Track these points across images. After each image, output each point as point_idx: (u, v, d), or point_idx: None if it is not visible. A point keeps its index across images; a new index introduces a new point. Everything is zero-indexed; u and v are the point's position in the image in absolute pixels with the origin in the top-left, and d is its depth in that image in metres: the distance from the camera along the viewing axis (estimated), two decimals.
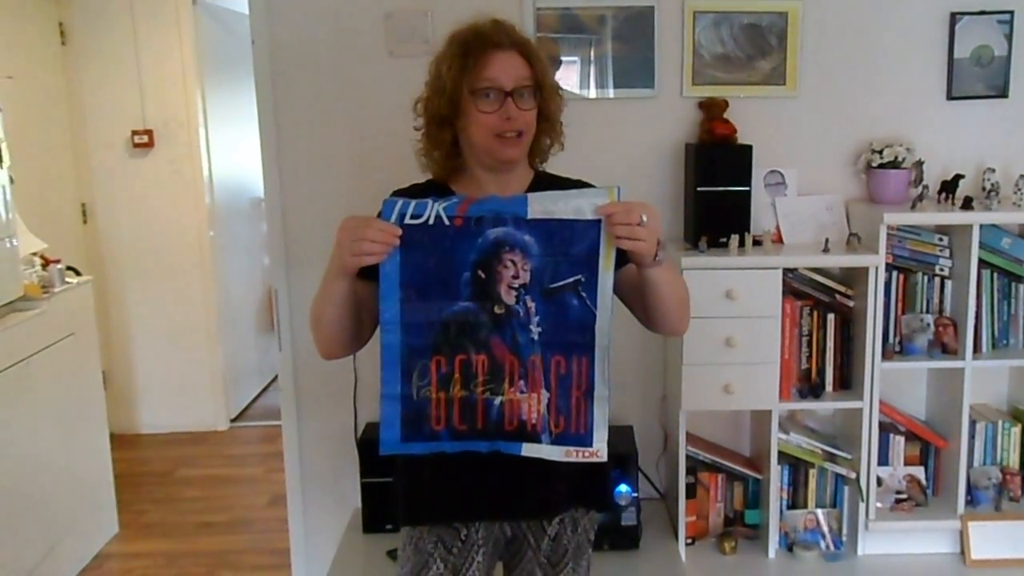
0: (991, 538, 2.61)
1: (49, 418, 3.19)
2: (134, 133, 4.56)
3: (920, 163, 2.59)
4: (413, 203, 1.47)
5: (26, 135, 4.06)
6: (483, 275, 1.49)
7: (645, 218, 1.44)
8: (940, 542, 2.68)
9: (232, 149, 4.90)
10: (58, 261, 3.36)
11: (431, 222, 1.46)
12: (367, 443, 2.59)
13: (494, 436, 1.53)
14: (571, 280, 1.49)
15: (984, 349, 2.63)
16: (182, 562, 3.45)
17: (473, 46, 1.56)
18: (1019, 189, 2.56)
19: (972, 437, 2.66)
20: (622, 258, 1.51)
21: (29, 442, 3.06)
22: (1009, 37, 2.63)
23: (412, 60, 2.47)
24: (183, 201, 4.67)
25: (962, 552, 2.64)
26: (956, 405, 2.60)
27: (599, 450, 1.54)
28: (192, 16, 4.55)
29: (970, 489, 2.66)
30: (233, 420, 4.96)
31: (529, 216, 1.47)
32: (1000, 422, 2.70)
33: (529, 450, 1.53)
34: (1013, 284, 2.63)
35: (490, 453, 1.54)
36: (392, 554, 2.45)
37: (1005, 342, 2.65)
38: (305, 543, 2.86)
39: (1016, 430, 2.69)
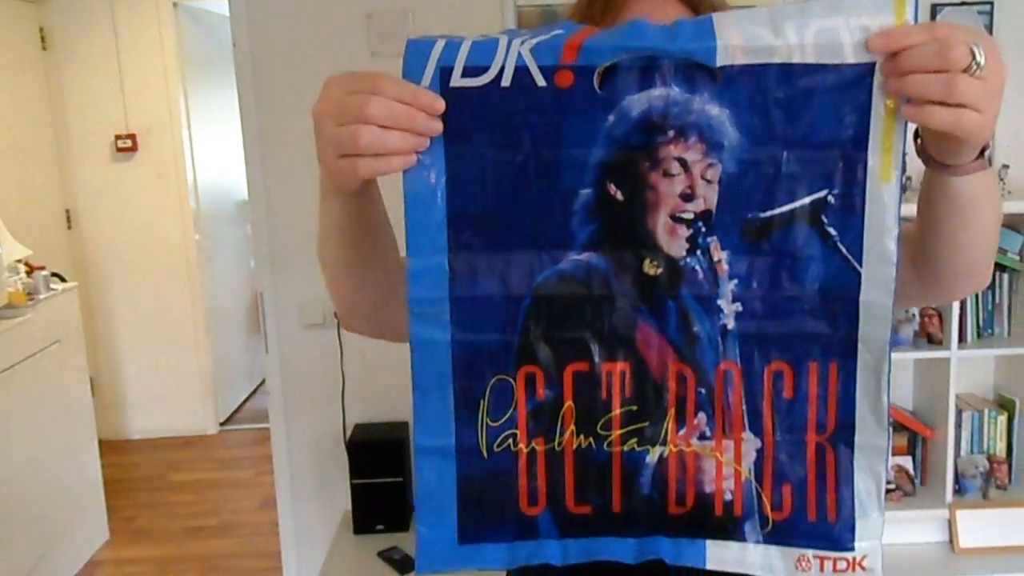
0: (979, 526, 2.63)
1: (37, 426, 3.17)
2: (117, 138, 4.53)
3: (903, 154, 2.60)
4: (468, 43, 0.75)
5: (8, 141, 4.04)
6: (618, 193, 0.77)
7: (981, 58, 0.68)
8: (929, 531, 2.70)
9: (216, 152, 4.88)
10: (43, 268, 3.34)
11: (506, 81, 0.74)
12: (356, 444, 2.58)
13: (646, 527, 0.82)
14: (809, 199, 0.76)
15: (969, 339, 2.64)
16: (173, 567, 3.44)
17: None
18: (1001, 180, 2.57)
19: (959, 426, 2.67)
20: None
21: (17, 450, 3.04)
22: (990, 28, 2.64)
23: (394, 60, 2.44)
24: (168, 205, 4.65)
25: (951, 540, 2.65)
26: (942, 395, 2.61)
27: (864, 557, 0.86)
28: (173, 19, 4.53)
29: (957, 478, 2.67)
30: (222, 424, 4.94)
31: (719, 62, 0.72)
32: (986, 411, 2.71)
33: (718, 558, 0.82)
34: (997, 273, 2.64)
35: (639, 567, 0.83)
36: (383, 555, 2.45)
37: (990, 331, 2.67)
38: (296, 545, 2.85)
39: (1002, 418, 2.71)
